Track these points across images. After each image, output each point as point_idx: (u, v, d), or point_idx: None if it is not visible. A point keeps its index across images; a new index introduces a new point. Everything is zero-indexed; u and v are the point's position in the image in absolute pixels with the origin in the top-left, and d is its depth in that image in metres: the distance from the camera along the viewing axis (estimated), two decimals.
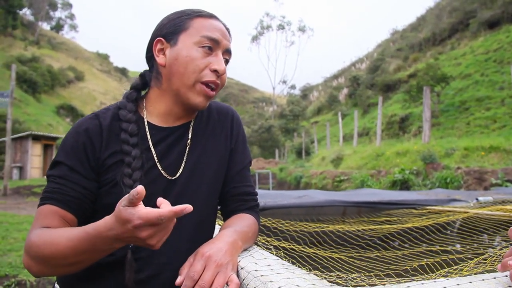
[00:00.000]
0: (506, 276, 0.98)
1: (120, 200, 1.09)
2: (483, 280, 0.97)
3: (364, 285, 1.01)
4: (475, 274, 1.08)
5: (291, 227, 2.57)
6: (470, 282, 0.94)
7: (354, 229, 2.66)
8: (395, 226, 2.74)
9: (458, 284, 0.93)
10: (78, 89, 61.47)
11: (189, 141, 1.54)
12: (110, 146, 1.43)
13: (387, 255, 2.21)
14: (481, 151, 10.48)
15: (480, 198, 3.54)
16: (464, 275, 1.05)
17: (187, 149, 1.53)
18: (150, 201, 1.41)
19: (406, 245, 2.56)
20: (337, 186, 13.46)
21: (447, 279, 0.98)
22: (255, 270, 1.15)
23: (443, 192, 4.71)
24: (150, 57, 1.53)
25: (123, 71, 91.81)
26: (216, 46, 1.45)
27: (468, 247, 2.29)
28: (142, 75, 1.60)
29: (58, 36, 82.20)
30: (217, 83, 1.45)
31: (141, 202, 1.08)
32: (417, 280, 1.00)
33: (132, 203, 1.05)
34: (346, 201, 3.33)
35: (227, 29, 1.55)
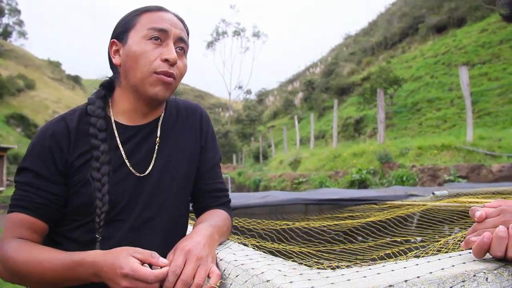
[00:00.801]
0: (470, 252, 1.06)
1: (130, 249, 1.17)
2: (439, 259, 1.04)
3: (342, 267, 1.05)
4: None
5: (258, 225, 2.61)
6: (428, 262, 1.01)
7: (319, 224, 2.72)
8: (358, 220, 2.82)
9: (417, 264, 0.99)
10: (29, 97, 59.81)
11: (158, 138, 1.55)
12: (78, 147, 1.43)
13: (353, 247, 2.28)
14: (434, 149, 10.80)
15: (436, 192, 3.68)
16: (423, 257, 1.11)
17: (156, 147, 1.54)
18: (121, 199, 1.43)
19: (370, 238, 2.64)
20: (296, 188, 13.58)
21: (406, 261, 1.04)
22: (235, 260, 1.17)
23: (400, 188, 4.86)
24: (110, 60, 1.55)
25: (76, 79, 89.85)
26: (165, 36, 1.45)
27: (428, 236, 2.39)
28: (110, 77, 1.61)
29: (6, 43, 79.77)
30: (170, 73, 1.44)
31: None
32: (378, 263, 1.05)
33: (142, 261, 1.14)
34: (309, 199, 3.40)
35: (180, 19, 1.55)
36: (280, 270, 1.00)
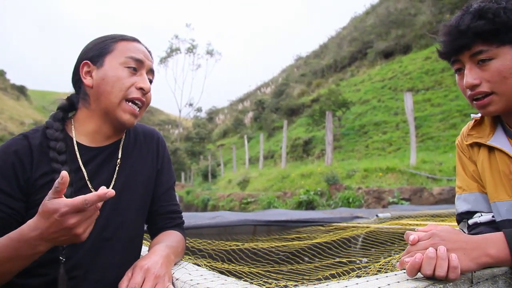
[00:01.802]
0: (404, 272, 1.18)
1: (45, 197, 1.15)
2: (376, 279, 1.15)
3: (289, 287, 1.14)
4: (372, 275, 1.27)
5: (208, 245, 2.68)
6: (367, 281, 1.13)
7: (267, 245, 2.81)
8: (305, 242, 2.92)
9: (357, 284, 1.10)
10: None
11: (119, 160, 1.60)
12: (40, 167, 1.45)
13: (300, 267, 2.37)
14: (379, 172, 11.10)
15: (380, 215, 3.84)
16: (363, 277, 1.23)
17: (116, 168, 1.59)
18: None
19: (316, 259, 2.75)
20: (245, 208, 13.62)
21: (348, 280, 1.15)
22: (190, 280, 1.25)
23: (346, 210, 5.02)
24: (77, 80, 1.58)
25: (21, 89, 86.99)
26: (140, 66, 1.54)
27: (372, 257, 2.52)
28: (69, 98, 1.65)
29: None
30: (143, 100, 1.54)
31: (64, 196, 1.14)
32: (323, 283, 1.15)
33: (58, 191, 1.12)
34: (258, 220, 3.49)
35: (149, 51, 1.64)
36: None
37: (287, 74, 51.95)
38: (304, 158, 21.92)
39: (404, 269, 1.18)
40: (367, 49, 33.48)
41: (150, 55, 1.65)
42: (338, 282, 1.12)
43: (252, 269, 2.16)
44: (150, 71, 1.61)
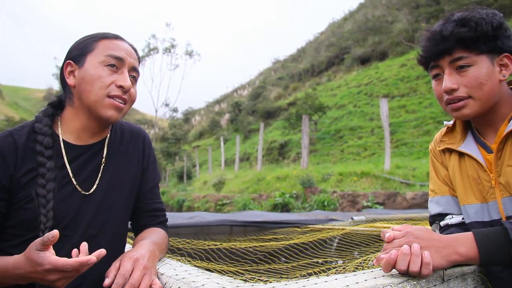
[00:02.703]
0: (380, 269, 1.26)
1: (33, 243, 1.21)
2: (354, 275, 1.22)
3: (272, 281, 1.20)
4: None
5: (187, 245, 2.72)
6: (345, 277, 1.19)
7: (245, 245, 2.86)
8: (282, 242, 2.98)
9: (336, 279, 1.17)
10: None
11: (103, 158, 1.63)
12: (25, 164, 1.47)
13: (278, 267, 2.43)
14: (354, 176, 11.24)
15: (355, 218, 3.93)
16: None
17: (102, 166, 1.62)
18: (66, 216, 1.50)
19: (292, 259, 2.81)
20: (220, 209, 13.63)
21: (327, 276, 1.22)
22: (176, 275, 1.30)
23: (321, 213, 5.10)
24: (62, 79, 1.61)
25: None
26: (120, 64, 1.55)
27: (347, 258, 2.60)
28: (59, 96, 1.68)
29: None
30: (124, 98, 1.55)
31: (51, 247, 1.21)
32: (303, 278, 1.21)
33: (45, 245, 1.18)
34: (236, 221, 3.53)
35: (134, 49, 1.66)
36: (218, 283, 1.14)
37: (265, 77, 52.04)
38: (280, 161, 22.00)
39: (380, 266, 1.25)
40: (344, 54, 33.86)
41: (136, 53, 1.66)
42: (318, 277, 1.18)
43: (230, 267, 2.20)
44: (133, 69, 1.61)
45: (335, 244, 3.21)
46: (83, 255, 1.23)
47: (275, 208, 10.60)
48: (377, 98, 21.08)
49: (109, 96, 1.51)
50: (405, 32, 28.81)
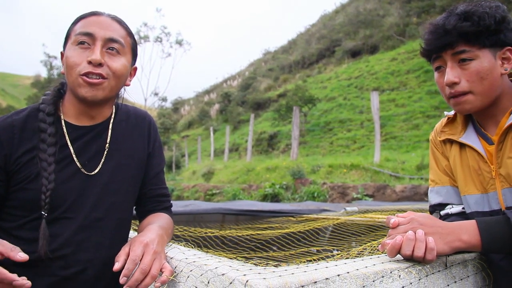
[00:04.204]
0: (386, 255, 1.29)
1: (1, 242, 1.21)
2: (362, 260, 1.26)
3: (282, 265, 1.23)
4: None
5: (184, 232, 2.74)
6: (354, 262, 1.23)
7: (242, 233, 2.89)
8: (278, 231, 3.02)
9: (345, 263, 1.20)
10: None
11: (108, 139, 1.63)
12: (24, 144, 1.48)
13: (275, 255, 2.47)
14: (343, 168, 11.32)
15: (348, 208, 3.98)
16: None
17: (106, 148, 1.62)
18: (69, 196, 1.51)
19: (286, 248, 2.85)
20: (210, 199, 13.64)
21: (336, 261, 1.25)
22: (186, 258, 1.31)
23: (313, 203, 5.15)
24: None
25: None
26: (91, 39, 1.51)
27: (343, 247, 2.64)
28: (62, 82, 1.69)
29: None
30: (96, 73, 1.49)
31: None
32: (313, 263, 1.25)
33: (4, 255, 1.19)
34: (230, 209, 3.57)
35: (117, 20, 1.61)
36: (231, 266, 1.16)
37: (255, 68, 51.94)
38: (269, 152, 22.04)
39: (385, 251, 1.29)
40: (335, 47, 33.91)
41: (120, 23, 1.62)
42: (327, 262, 1.22)
43: (229, 255, 2.23)
44: (110, 41, 1.54)
45: (328, 234, 3.25)
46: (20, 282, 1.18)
47: (265, 198, 10.64)
48: (367, 91, 21.18)
49: (81, 75, 1.47)
50: (396, 26, 28.91)
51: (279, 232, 2.98)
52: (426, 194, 8.13)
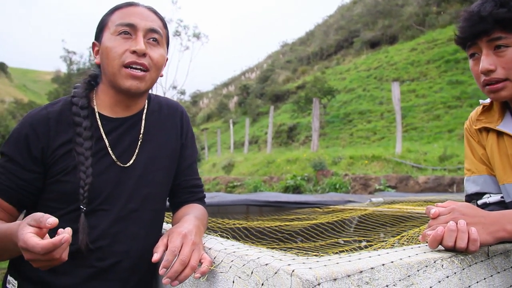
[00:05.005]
0: (426, 245, 1.29)
1: (32, 215, 1.18)
2: (404, 250, 1.25)
3: (322, 255, 1.23)
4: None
5: (213, 223, 2.75)
6: (396, 252, 1.21)
7: (271, 225, 2.89)
8: (305, 222, 3.02)
9: (387, 253, 1.20)
10: None
11: (142, 130, 1.64)
12: (60, 136, 1.49)
13: (305, 246, 2.46)
14: (365, 159, 11.28)
15: (373, 199, 3.96)
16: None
17: (140, 139, 1.62)
18: (104, 188, 1.52)
19: (315, 238, 2.84)
20: (231, 191, 13.65)
21: (378, 251, 1.24)
22: (225, 249, 1.32)
23: (336, 195, 5.13)
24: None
25: (1, 66, 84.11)
26: (133, 30, 1.51)
27: (372, 238, 2.63)
28: (94, 72, 1.69)
29: None
30: (140, 63, 1.49)
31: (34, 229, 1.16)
32: (355, 252, 1.24)
33: (37, 223, 1.15)
34: (256, 200, 3.57)
35: (154, 11, 1.62)
36: (273, 256, 1.16)
37: (273, 60, 51.74)
38: (289, 144, 22.03)
39: (426, 242, 1.28)
40: (354, 38, 33.66)
41: (157, 14, 1.62)
42: (369, 252, 1.21)
43: (259, 245, 2.23)
44: (151, 31, 1.54)
45: (353, 225, 3.24)
46: (59, 237, 1.13)
47: (286, 190, 10.63)
48: (387, 82, 21.02)
49: (125, 66, 1.47)
50: (415, 15, 28.61)
51: (307, 223, 2.97)
52: (449, 185, 8.06)
